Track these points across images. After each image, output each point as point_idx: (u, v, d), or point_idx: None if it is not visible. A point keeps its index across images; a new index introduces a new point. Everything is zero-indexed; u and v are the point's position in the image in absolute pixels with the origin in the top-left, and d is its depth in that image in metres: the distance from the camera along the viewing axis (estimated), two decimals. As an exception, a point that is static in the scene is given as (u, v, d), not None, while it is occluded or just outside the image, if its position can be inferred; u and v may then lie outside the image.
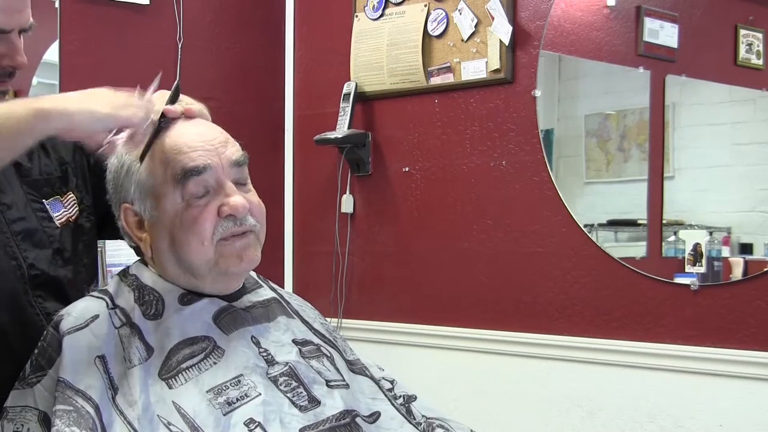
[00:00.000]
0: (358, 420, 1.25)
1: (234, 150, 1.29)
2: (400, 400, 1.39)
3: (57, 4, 2.55)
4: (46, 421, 1.15)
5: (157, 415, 1.14)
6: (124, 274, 1.34)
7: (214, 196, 1.25)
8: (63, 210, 1.42)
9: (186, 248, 1.25)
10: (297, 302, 1.45)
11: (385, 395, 1.34)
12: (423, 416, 1.39)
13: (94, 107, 1.19)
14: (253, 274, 1.42)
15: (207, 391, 1.18)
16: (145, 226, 1.29)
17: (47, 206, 1.40)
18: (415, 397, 1.42)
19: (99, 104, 1.20)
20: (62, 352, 1.19)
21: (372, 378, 1.37)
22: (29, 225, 1.36)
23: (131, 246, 1.36)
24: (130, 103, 1.23)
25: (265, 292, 1.39)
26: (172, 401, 1.16)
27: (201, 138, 1.27)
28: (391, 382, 1.43)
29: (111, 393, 1.16)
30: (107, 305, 1.27)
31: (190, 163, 1.24)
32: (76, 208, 1.43)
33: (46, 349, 1.23)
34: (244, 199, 1.26)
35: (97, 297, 1.29)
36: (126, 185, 1.28)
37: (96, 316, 1.24)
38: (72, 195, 1.43)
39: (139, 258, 1.37)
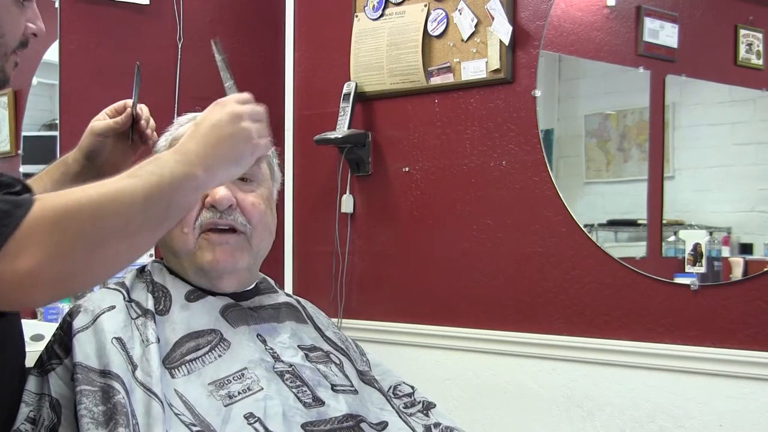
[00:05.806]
0: (363, 426, 1.25)
1: None
2: (419, 407, 1.39)
3: (57, 4, 2.55)
4: (56, 407, 1.16)
5: (162, 394, 1.16)
6: (141, 270, 1.35)
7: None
8: None
9: (170, 233, 1.26)
10: (312, 309, 1.46)
11: (393, 407, 1.34)
12: (438, 422, 1.40)
13: (235, 164, 1.11)
14: (271, 280, 1.44)
15: (209, 384, 1.18)
16: None
17: None
18: (434, 405, 1.43)
19: (241, 156, 1.11)
20: (79, 340, 1.19)
21: (380, 390, 1.37)
22: None
23: None
24: (258, 144, 1.13)
25: (279, 297, 1.40)
26: (174, 389, 1.17)
27: None
28: (412, 387, 1.45)
29: (131, 368, 1.16)
30: (124, 297, 1.27)
31: None
32: None
33: (62, 338, 1.23)
34: (229, 193, 1.27)
35: (114, 289, 1.30)
36: None
37: (113, 307, 1.24)
38: None
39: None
